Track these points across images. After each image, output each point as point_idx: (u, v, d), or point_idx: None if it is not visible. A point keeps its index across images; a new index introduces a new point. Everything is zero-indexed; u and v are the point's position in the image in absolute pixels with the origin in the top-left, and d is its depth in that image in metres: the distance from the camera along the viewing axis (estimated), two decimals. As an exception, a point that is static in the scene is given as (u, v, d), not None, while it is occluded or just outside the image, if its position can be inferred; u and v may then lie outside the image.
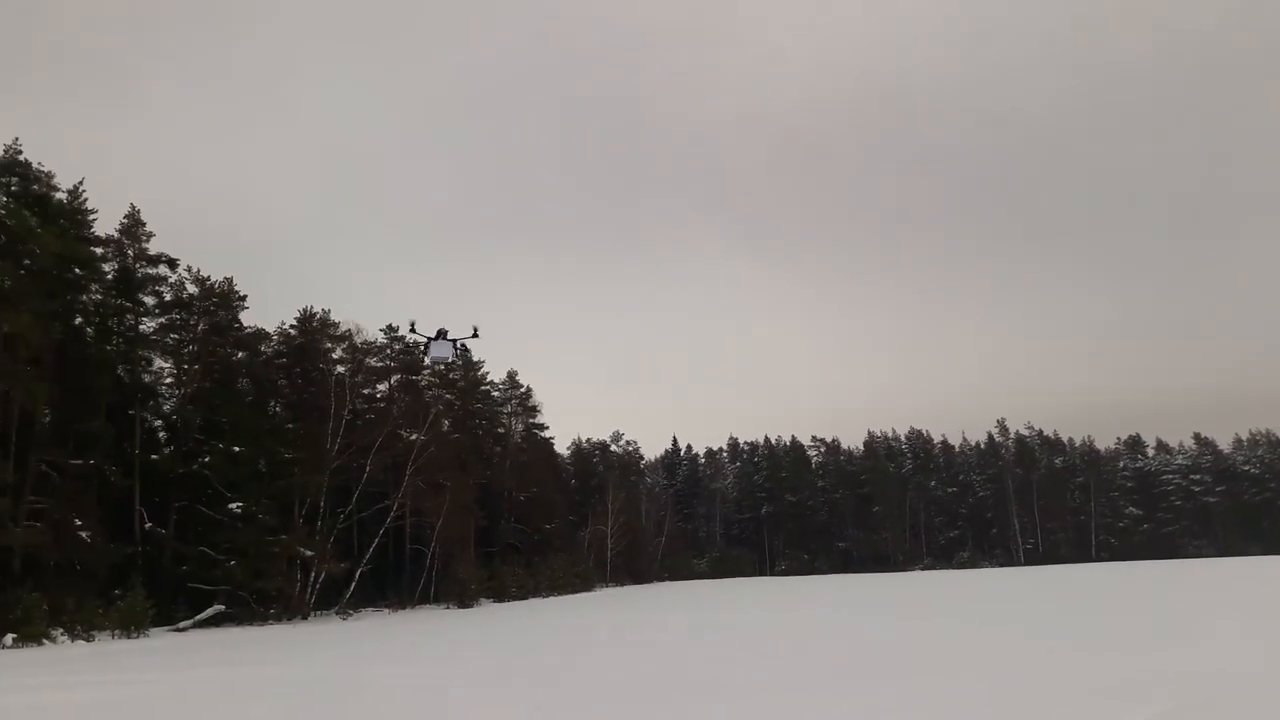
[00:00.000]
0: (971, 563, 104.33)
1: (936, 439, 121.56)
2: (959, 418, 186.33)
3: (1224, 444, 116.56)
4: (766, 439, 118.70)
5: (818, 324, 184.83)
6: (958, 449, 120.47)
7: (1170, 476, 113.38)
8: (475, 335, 25.87)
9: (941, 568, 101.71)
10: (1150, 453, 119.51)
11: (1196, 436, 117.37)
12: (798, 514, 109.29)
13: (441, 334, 25.85)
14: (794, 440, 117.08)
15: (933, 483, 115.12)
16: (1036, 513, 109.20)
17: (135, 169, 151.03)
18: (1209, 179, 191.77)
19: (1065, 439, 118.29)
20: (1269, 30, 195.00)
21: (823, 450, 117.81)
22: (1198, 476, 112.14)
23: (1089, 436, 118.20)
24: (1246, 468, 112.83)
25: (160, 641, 31.42)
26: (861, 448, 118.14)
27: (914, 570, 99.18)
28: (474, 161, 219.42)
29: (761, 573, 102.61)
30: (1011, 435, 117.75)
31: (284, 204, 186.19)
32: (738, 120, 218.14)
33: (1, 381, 32.51)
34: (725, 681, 14.59)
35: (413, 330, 26.00)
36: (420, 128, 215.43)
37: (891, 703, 11.76)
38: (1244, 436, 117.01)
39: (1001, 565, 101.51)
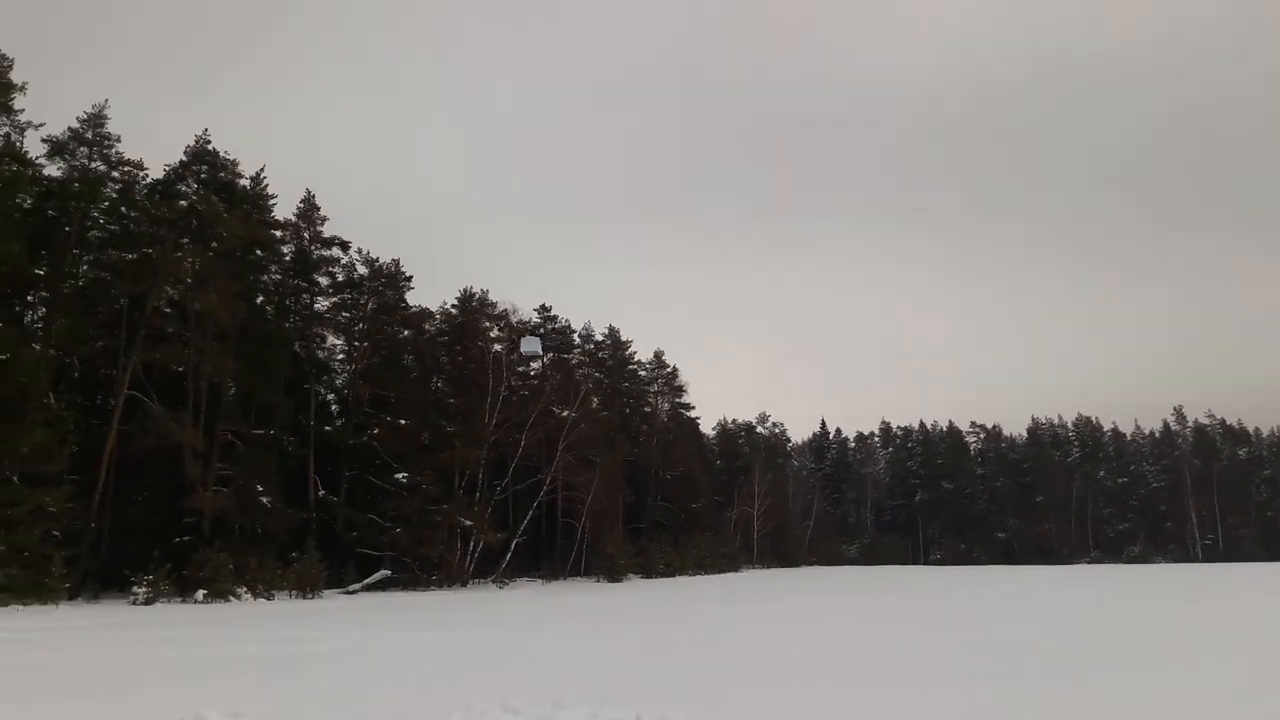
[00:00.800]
0: (1143, 557, 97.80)
1: (1106, 426, 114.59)
2: (1131, 405, 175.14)
3: None
4: (921, 424, 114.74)
5: (977, 306, 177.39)
6: (1129, 437, 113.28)
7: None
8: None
9: (1109, 561, 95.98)
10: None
11: None
12: (954, 502, 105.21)
13: (534, 331, 29.22)
14: (951, 425, 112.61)
15: (1101, 472, 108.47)
16: (1217, 507, 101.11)
17: (304, 156, 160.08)
18: None
19: (1251, 429, 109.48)
20: None
21: (982, 436, 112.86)
22: None
23: (1278, 427, 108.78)
24: None
25: (333, 603, 33.32)
26: (1025, 434, 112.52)
27: (1079, 564, 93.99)
28: (618, 143, 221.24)
29: (914, 561, 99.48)
30: (1190, 424, 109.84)
31: (439, 189, 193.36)
32: (891, 94, 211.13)
33: (193, 356, 35.10)
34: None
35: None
36: (566, 110, 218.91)
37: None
38: None
39: (1175, 561, 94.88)
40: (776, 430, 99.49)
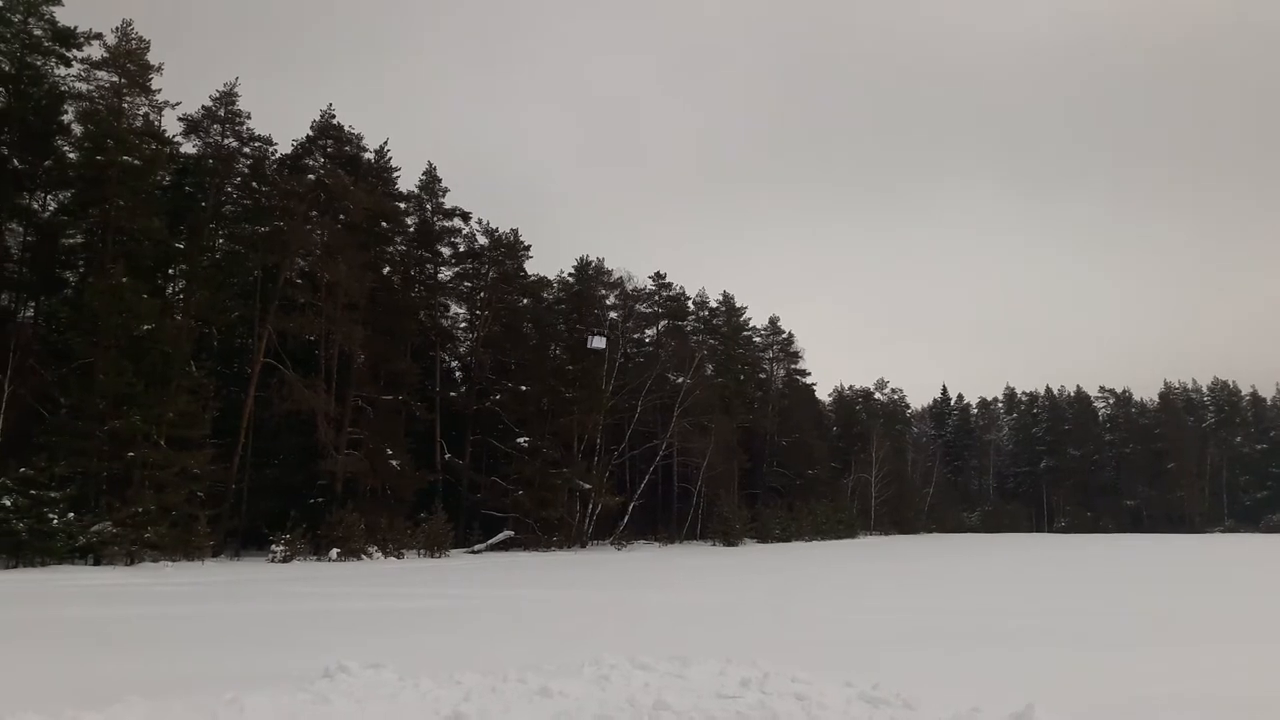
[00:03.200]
0: None
1: (1245, 390, 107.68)
2: (1273, 369, 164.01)
3: None
4: (1048, 389, 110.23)
5: (1108, 269, 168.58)
6: (1270, 402, 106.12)
7: None
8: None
9: (1245, 530, 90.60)
10: None
11: None
12: (1081, 469, 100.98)
13: (601, 333, 39.24)
14: (1079, 390, 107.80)
15: (1238, 438, 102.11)
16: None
17: (424, 131, 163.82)
18: None
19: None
20: None
21: (1111, 402, 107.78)
22: None
23: None
24: None
25: (460, 561, 34.36)
26: (1156, 399, 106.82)
27: (1213, 532, 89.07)
28: (734, 108, 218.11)
29: (1039, 529, 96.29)
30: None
31: (553, 160, 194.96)
32: (1013, 56, 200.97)
33: (325, 325, 36.46)
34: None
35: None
36: (677, 76, 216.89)
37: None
38: None
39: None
40: (895, 397, 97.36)
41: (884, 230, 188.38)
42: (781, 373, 73.74)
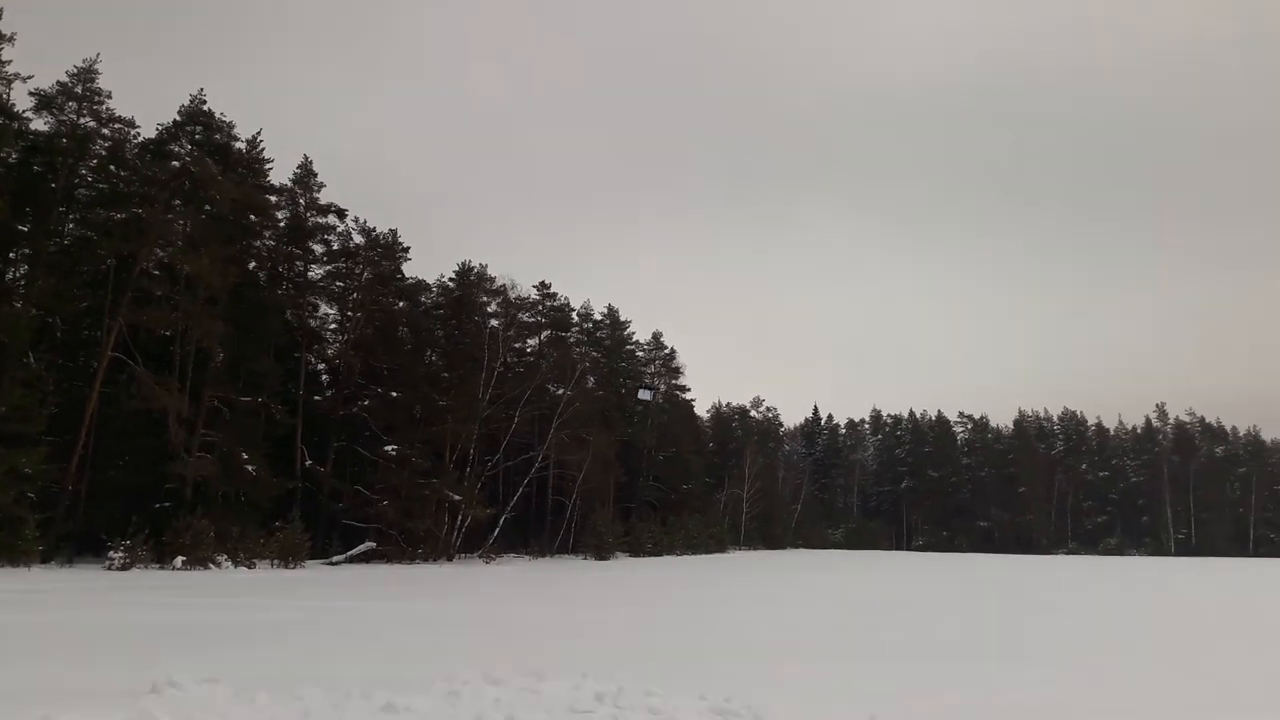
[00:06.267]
0: (1118, 550, 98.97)
1: (1090, 421, 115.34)
2: (1115, 401, 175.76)
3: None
4: (911, 413, 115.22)
5: (972, 299, 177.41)
6: (1113, 432, 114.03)
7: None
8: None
9: (1086, 553, 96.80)
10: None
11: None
12: (939, 490, 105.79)
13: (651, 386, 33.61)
14: (940, 415, 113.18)
15: (1084, 465, 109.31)
16: (1192, 502, 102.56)
17: (301, 127, 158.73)
18: None
19: (1229, 427, 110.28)
20: None
21: (969, 427, 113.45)
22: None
23: (1255, 426, 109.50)
24: None
25: (316, 573, 33.03)
26: (1010, 426, 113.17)
27: (1057, 554, 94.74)
28: (605, 126, 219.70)
29: (898, 547, 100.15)
30: (1171, 421, 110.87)
31: (436, 165, 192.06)
32: (869, 91, 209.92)
33: (182, 319, 34.56)
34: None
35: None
36: (547, 91, 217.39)
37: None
38: None
39: (1150, 554, 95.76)
40: (770, 415, 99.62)
41: (763, 254, 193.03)
42: (663, 387, 74.31)
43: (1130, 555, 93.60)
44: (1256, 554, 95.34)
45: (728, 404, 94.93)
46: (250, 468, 36.50)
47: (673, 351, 73.45)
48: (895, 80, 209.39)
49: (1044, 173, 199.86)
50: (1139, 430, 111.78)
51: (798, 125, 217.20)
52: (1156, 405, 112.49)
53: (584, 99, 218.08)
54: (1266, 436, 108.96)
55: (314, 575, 31.73)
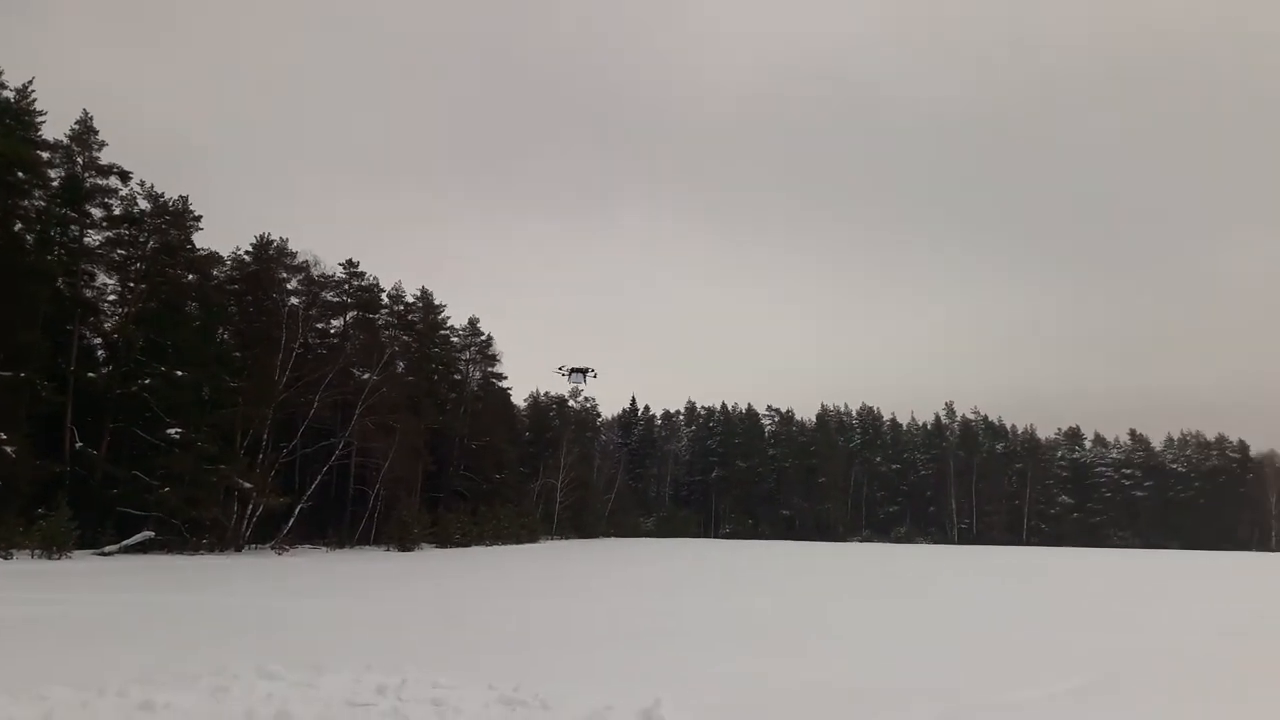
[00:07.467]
0: (907, 538, 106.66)
1: (886, 416, 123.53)
2: (910, 398, 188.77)
3: (1156, 442, 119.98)
4: (724, 405, 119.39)
5: (781, 299, 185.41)
6: (905, 428, 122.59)
7: (1103, 469, 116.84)
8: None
9: (878, 540, 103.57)
10: (1088, 445, 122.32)
11: (1132, 433, 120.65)
12: (746, 480, 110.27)
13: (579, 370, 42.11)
14: (750, 408, 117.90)
15: (878, 458, 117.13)
16: (974, 494, 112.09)
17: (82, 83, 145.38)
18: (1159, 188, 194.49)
19: (1009, 425, 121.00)
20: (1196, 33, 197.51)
21: (776, 420, 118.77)
22: (1129, 471, 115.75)
23: (1031, 425, 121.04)
24: (1174, 466, 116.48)
25: (83, 564, 30.30)
26: (814, 420, 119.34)
27: (853, 541, 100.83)
28: (435, 110, 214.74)
29: (706, 534, 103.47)
30: (958, 418, 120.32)
31: (236, 136, 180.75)
32: (700, 93, 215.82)
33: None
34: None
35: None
36: (386, 67, 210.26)
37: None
38: (1175, 436, 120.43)
39: (935, 543, 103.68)
40: (589, 405, 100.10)
41: (585, 246, 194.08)
42: (478, 375, 73.00)
43: (918, 543, 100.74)
44: (1029, 543, 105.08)
45: (546, 393, 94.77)
46: (9, 449, 33.07)
47: (489, 338, 72.46)
48: (721, 84, 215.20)
49: (858, 180, 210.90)
50: (929, 426, 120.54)
51: (625, 120, 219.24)
52: (945, 404, 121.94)
53: (411, 79, 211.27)
54: (1041, 435, 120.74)
55: (81, 566, 29.06)
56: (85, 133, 40.61)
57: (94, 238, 41.55)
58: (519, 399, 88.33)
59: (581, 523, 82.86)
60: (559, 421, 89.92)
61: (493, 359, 73.18)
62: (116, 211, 41.74)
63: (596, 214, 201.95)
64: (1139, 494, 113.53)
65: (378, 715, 7.81)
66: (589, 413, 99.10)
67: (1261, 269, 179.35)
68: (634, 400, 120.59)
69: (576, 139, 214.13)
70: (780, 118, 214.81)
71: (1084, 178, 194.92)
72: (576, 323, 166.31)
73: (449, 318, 66.85)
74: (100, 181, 41.03)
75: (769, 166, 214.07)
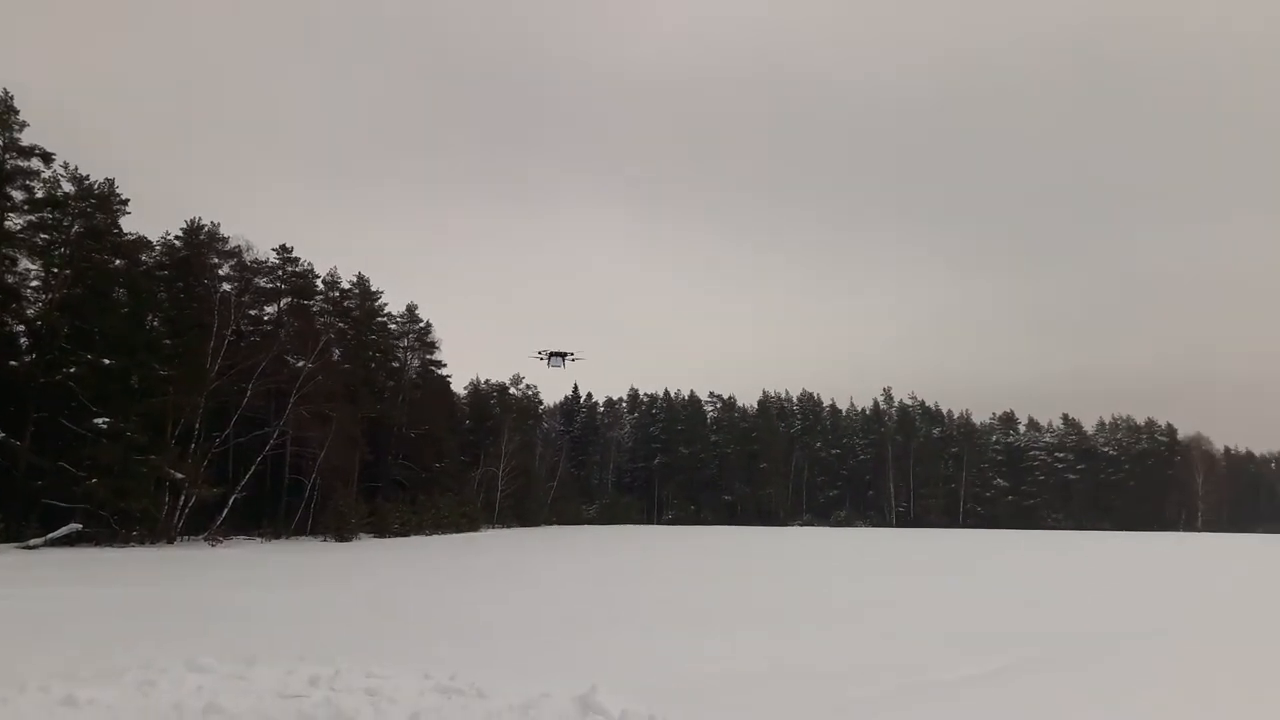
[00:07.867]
0: (847, 521, 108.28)
1: (826, 403, 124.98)
2: (849, 384, 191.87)
3: (1088, 426, 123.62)
4: (666, 392, 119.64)
5: (722, 287, 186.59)
6: (845, 413, 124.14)
7: (1037, 453, 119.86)
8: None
9: (819, 525, 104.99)
10: (1021, 429, 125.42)
11: (1064, 417, 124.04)
12: (689, 466, 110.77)
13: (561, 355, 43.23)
14: (692, 395, 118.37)
15: (818, 444, 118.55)
16: (912, 478, 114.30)
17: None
18: (1087, 175, 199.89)
19: (945, 410, 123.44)
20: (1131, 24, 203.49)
21: (718, 406, 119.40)
22: (1062, 454, 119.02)
23: (967, 410, 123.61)
24: (1106, 449, 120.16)
25: (6, 558, 29.34)
26: (755, 406, 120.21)
27: (794, 525, 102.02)
28: (366, 92, 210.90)
29: (649, 521, 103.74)
30: (895, 404, 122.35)
31: (163, 118, 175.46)
32: (634, 83, 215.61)
33: None
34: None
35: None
36: (322, 53, 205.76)
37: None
38: (1106, 420, 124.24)
39: (874, 526, 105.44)
40: (530, 393, 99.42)
41: (523, 230, 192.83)
42: (416, 363, 71.99)
43: (857, 527, 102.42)
44: (965, 525, 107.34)
45: (487, 381, 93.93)
46: (-76, 441, 31.76)
47: (428, 325, 71.50)
48: (666, 71, 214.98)
49: (803, 171, 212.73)
50: (868, 412, 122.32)
51: (565, 108, 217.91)
52: (883, 389, 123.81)
53: (343, 65, 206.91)
54: (976, 420, 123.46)
55: (5, 560, 28.08)
56: (5, 112, 39.04)
57: (15, 221, 40.04)
58: (459, 386, 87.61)
59: (524, 511, 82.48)
60: (500, 409, 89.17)
61: (431, 346, 72.24)
62: (39, 194, 40.29)
63: (527, 200, 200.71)
64: (1071, 477, 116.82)
65: (310, 706, 7.73)
66: (530, 400, 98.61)
67: (1184, 255, 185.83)
68: (576, 388, 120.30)
69: (501, 123, 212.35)
70: (708, 101, 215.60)
71: (1018, 164, 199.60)
72: (518, 310, 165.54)
73: (386, 304, 65.94)
74: (21, 163, 39.52)
75: (700, 154, 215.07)
